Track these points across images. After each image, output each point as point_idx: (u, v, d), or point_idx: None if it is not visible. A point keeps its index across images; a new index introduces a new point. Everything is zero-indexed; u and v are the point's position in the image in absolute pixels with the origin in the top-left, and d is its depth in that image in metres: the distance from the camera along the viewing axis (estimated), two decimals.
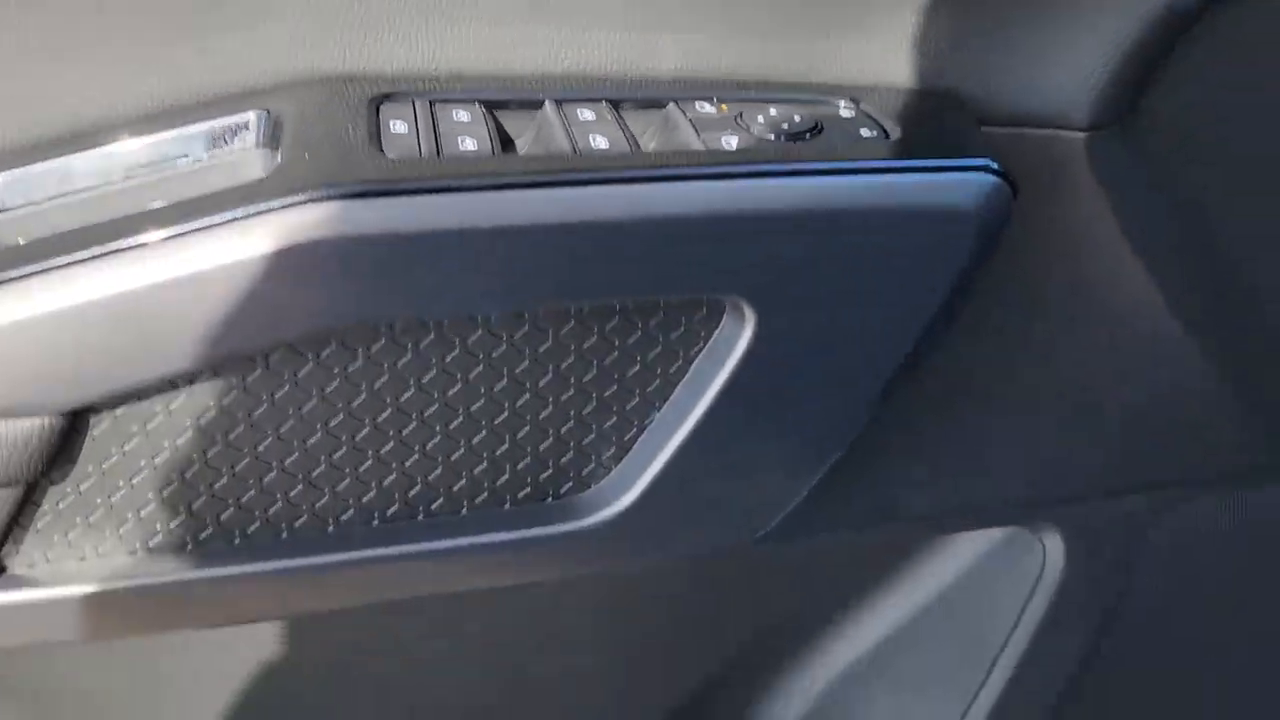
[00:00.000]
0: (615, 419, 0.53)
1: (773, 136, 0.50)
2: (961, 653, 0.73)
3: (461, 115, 0.50)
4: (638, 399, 0.53)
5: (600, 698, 0.76)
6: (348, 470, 0.51)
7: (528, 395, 0.51)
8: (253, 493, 0.50)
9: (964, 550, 0.71)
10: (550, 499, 0.54)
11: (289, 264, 0.44)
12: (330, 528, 0.52)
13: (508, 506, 0.54)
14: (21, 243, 0.45)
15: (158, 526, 0.50)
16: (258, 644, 0.64)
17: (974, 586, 0.72)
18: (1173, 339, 0.65)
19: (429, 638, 0.67)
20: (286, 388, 0.48)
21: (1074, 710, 0.70)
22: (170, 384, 0.47)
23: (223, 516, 0.50)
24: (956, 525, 0.68)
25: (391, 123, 0.48)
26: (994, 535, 0.70)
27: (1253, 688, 0.76)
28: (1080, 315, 0.63)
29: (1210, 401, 0.68)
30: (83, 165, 0.50)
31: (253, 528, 0.51)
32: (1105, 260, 0.61)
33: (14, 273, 0.43)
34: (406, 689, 0.69)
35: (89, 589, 0.50)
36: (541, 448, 0.53)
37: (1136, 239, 0.60)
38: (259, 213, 0.44)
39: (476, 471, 0.53)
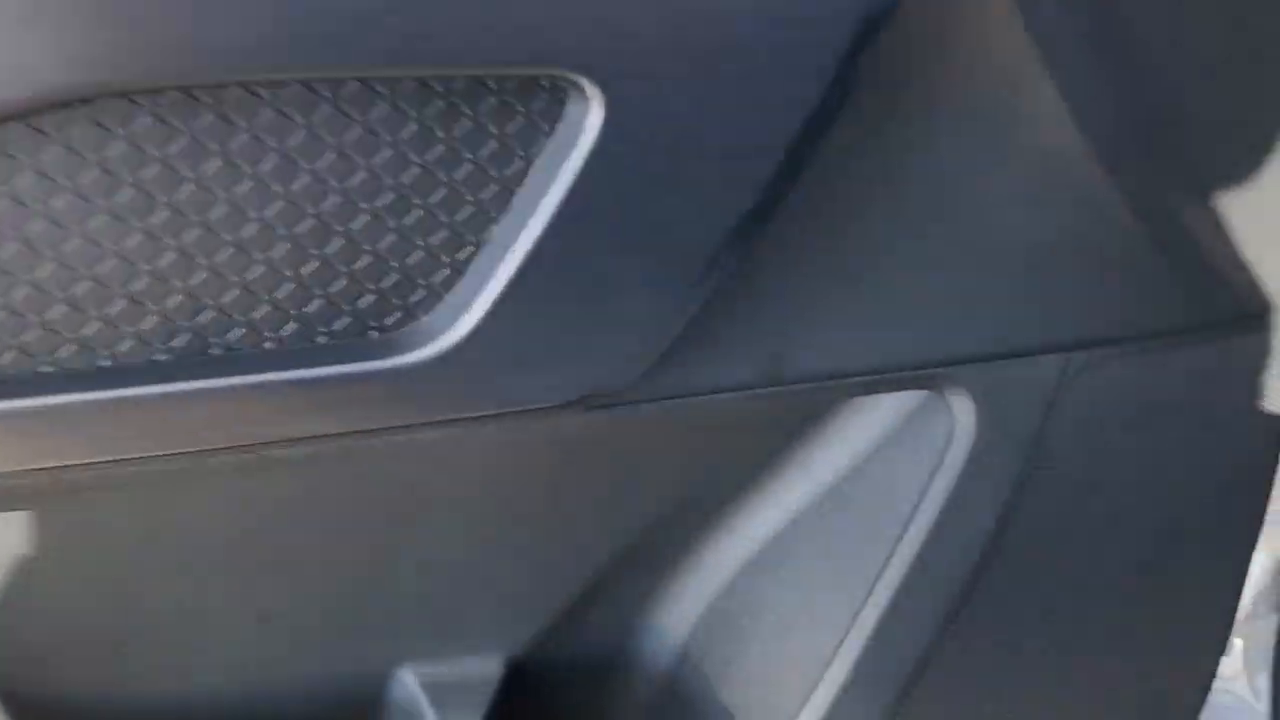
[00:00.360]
0: (445, 233, 0.45)
1: None
2: (864, 534, 0.66)
3: None
4: (471, 208, 0.45)
5: (465, 609, 0.69)
6: (117, 288, 0.42)
7: (336, 198, 0.43)
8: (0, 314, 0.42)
9: (863, 420, 0.64)
10: (372, 331, 0.46)
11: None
12: (103, 360, 0.43)
13: (321, 339, 0.46)
14: None
15: None
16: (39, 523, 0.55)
17: (876, 460, 0.65)
18: (1089, 179, 0.59)
19: (254, 515, 0.58)
20: (28, 174, 0.39)
21: (982, 590, 0.64)
22: None
23: None
24: (853, 389, 0.61)
25: None
26: (896, 402, 0.63)
27: (1168, 561, 0.70)
28: (984, 146, 0.56)
29: (1131, 252, 0.62)
30: None
31: (5, 357, 0.42)
32: (1013, 82, 0.54)
33: None
34: (229, 571, 0.60)
35: None
36: (358, 267, 0.45)
37: (1047, 58, 0.53)
38: None
39: (281, 295, 0.44)
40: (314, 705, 0.69)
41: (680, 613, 0.74)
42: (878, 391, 0.62)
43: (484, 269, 0.45)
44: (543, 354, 0.47)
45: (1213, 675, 0.78)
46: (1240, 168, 0.64)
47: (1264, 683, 0.95)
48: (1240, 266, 0.67)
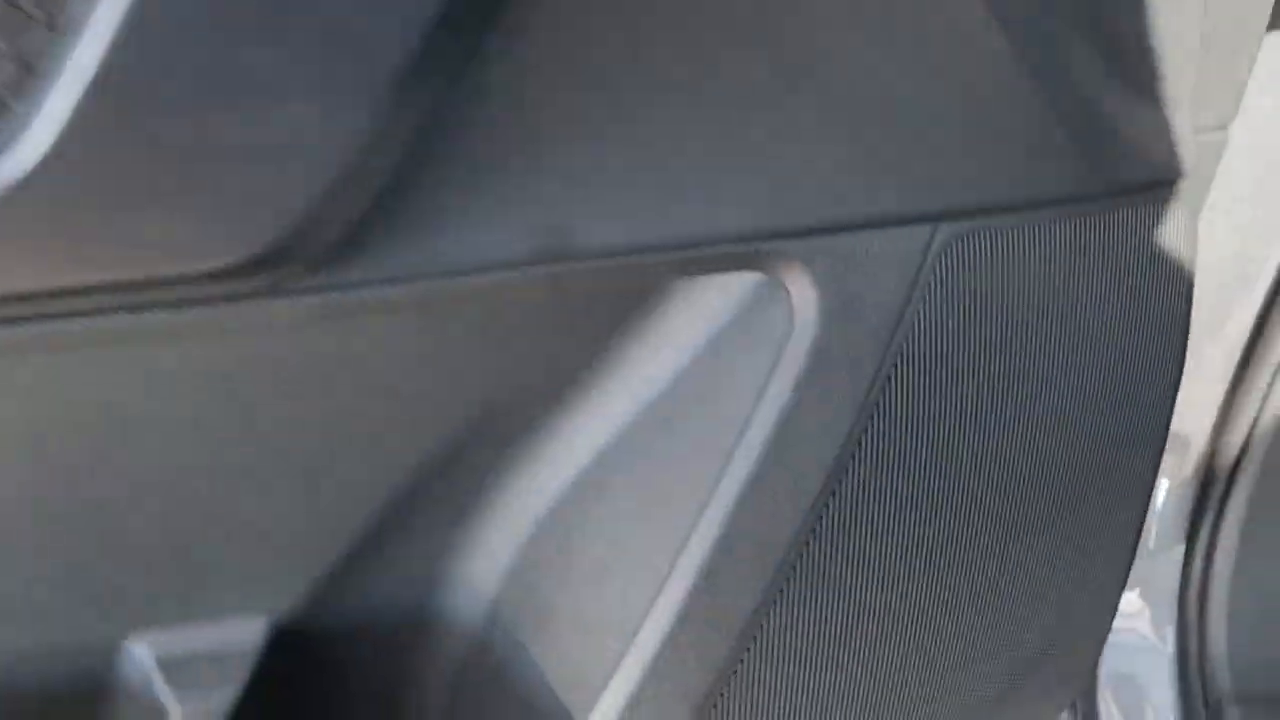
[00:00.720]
0: None
1: None
2: (687, 456, 0.52)
3: None
4: None
5: (207, 562, 0.54)
6: None
7: None
8: None
9: (681, 313, 0.50)
10: None
11: None
12: None
13: None
14: None
15: None
16: None
17: (700, 364, 0.51)
18: (967, 22, 0.47)
19: None
20: None
21: (833, 515, 0.51)
22: None
23: None
24: (663, 270, 0.48)
25: None
26: (721, 289, 0.50)
27: (1059, 476, 0.58)
28: None
29: (1017, 108, 0.50)
30: None
31: None
32: None
33: None
34: None
35: None
36: None
37: None
38: None
39: None
40: (14, 690, 0.55)
41: (486, 561, 0.60)
42: (695, 273, 0.48)
43: (60, 60, 0.31)
44: (167, 192, 0.33)
45: (1115, 607, 0.67)
46: (1148, 28, 0.53)
47: (1171, 634, 0.85)
48: (1144, 131, 0.55)
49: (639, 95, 0.43)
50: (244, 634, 0.57)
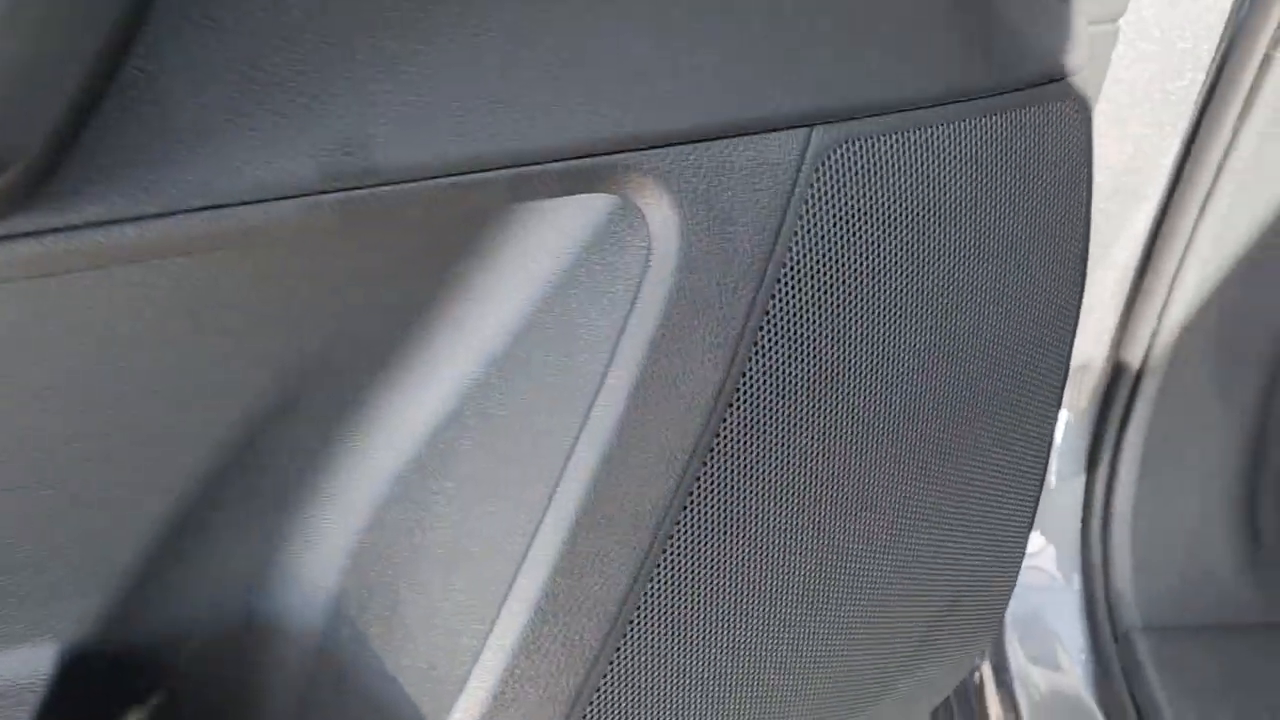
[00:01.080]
0: None
1: None
2: (541, 413, 0.45)
3: None
4: None
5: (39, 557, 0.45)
6: None
7: None
8: None
9: (521, 246, 0.43)
10: None
11: None
12: None
13: None
14: None
15: None
16: None
17: (549, 304, 0.44)
18: None
19: None
20: None
21: (711, 469, 0.44)
22: None
23: None
24: (490, 193, 0.40)
25: None
26: (567, 215, 0.42)
27: (956, 407, 0.52)
28: None
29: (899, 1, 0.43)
30: None
31: None
32: None
33: None
34: None
35: None
36: None
37: None
38: None
39: None
40: None
41: (321, 554, 0.51)
42: (531, 198, 0.40)
43: None
44: None
45: (1024, 544, 0.62)
46: None
47: (1075, 570, 0.81)
48: (1035, 22, 0.49)
49: None
50: (27, 665, 0.47)
